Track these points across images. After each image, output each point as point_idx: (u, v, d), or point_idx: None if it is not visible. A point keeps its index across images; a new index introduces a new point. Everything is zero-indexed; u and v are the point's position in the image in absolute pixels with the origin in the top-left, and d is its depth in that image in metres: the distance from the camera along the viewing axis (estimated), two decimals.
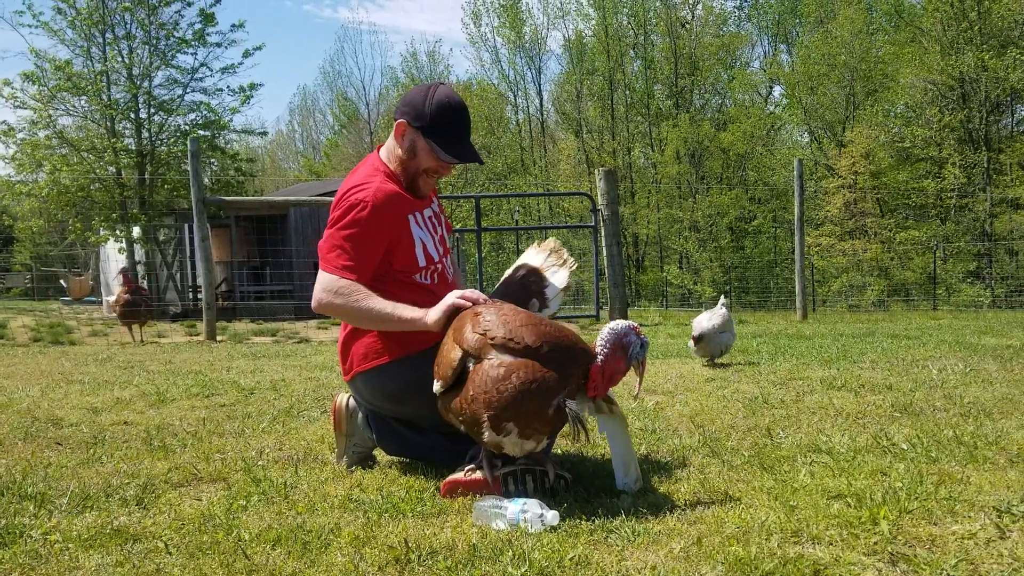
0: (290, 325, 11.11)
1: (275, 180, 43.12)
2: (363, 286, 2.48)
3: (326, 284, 2.50)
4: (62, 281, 26.81)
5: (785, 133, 35.38)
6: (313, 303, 2.53)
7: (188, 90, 17.85)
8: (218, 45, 17.75)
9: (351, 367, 2.62)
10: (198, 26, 17.44)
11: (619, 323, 2.27)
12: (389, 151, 2.65)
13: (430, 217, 2.69)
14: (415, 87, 2.67)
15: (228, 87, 18.10)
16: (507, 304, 2.37)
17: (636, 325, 2.27)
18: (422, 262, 2.60)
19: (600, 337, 2.26)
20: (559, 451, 2.91)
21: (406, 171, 2.60)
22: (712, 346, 5.21)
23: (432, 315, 2.42)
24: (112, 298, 9.51)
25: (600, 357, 2.23)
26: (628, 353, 2.24)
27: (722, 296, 5.70)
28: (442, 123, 2.53)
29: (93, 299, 23.91)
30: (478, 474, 2.30)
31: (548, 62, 74.93)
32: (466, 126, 2.59)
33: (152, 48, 17.43)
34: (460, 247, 19.08)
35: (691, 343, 5.28)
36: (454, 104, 2.54)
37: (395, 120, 2.59)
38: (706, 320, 5.23)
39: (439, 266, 2.66)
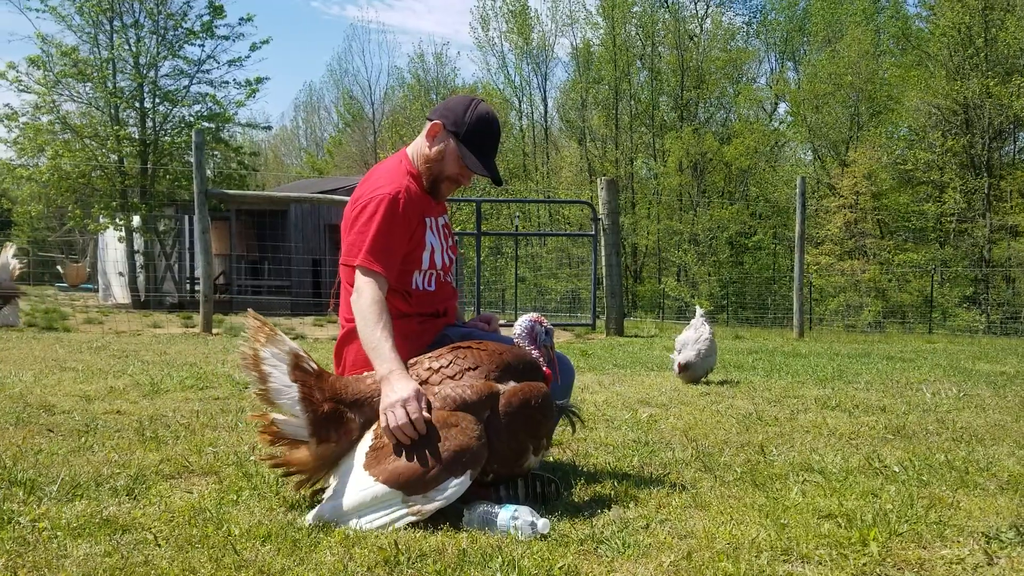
0: (286, 321, 11.10)
1: (277, 175, 43.11)
2: (384, 300, 2.41)
3: (360, 282, 2.44)
4: (59, 267, 26.74)
5: (789, 150, 35.46)
6: (354, 306, 2.47)
7: (194, 81, 17.87)
8: (226, 38, 17.79)
9: (343, 372, 2.62)
10: (206, 18, 17.47)
11: (523, 319, 2.49)
12: (416, 150, 2.66)
13: (443, 225, 2.71)
14: (455, 96, 2.72)
15: (234, 80, 18.14)
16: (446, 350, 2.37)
17: (538, 316, 2.50)
18: (425, 264, 2.60)
19: (517, 336, 2.46)
20: (552, 459, 2.91)
21: (430, 172, 2.62)
22: (698, 372, 5.18)
23: (381, 400, 2.23)
24: None
25: (535, 354, 2.44)
26: (538, 341, 2.46)
27: (699, 310, 5.57)
28: (477, 136, 2.58)
29: (89, 286, 23.87)
30: None
31: (554, 69, 74.89)
32: (497, 145, 2.66)
33: (160, 38, 17.43)
34: (459, 250, 19.09)
35: (675, 368, 5.22)
36: (493, 122, 2.61)
37: (429, 121, 2.61)
38: (691, 347, 5.15)
39: (441, 273, 2.66)
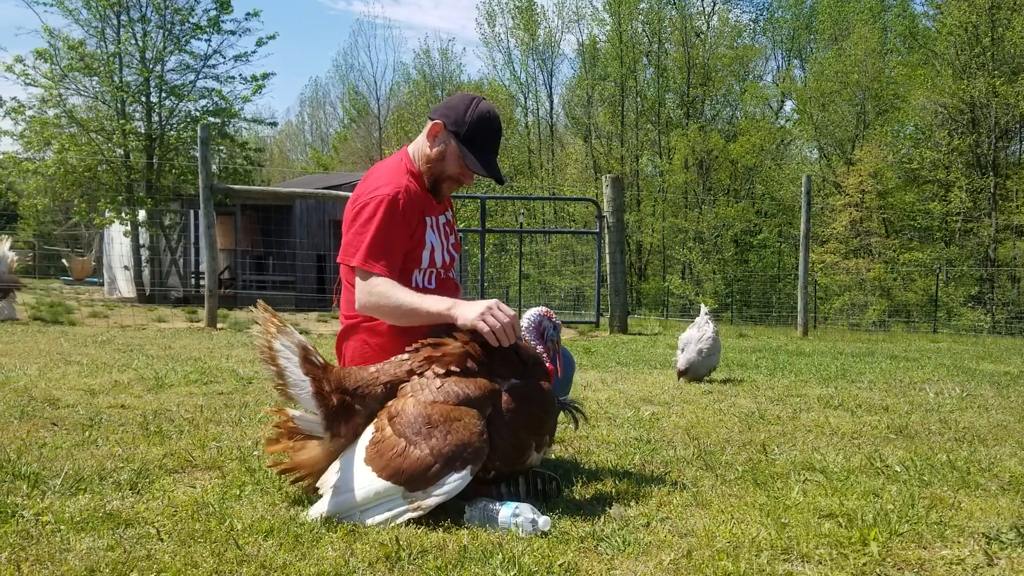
0: (291, 316, 11.12)
1: (282, 171, 43.10)
2: (392, 279, 2.47)
3: (363, 284, 2.48)
4: (64, 261, 26.81)
5: (795, 148, 35.35)
6: (357, 305, 2.51)
7: (200, 76, 17.90)
8: (232, 33, 17.80)
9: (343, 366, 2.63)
10: (213, 13, 17.50)
11: (532, 312, 2.45)
12: (418, 149, 2.66)
13: (444, 224, 2.71)
14: (457, 94, 2.72)
15: (240, 75, 18.16)
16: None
17: (547, 311, 2.45)
18: (425, 263, 2.61)
19: (525, 330, 2.43)
20: (553, 457, 2.92)
21: (431, 172, 2.63)
22: (700, 372, 5.17)
23: (462, 319, 2.34)
24: None
25: (540, 350, 2.42)
26: (544, 336, 2.43)
27: (703, 308, 5.56)
28: (478, 135, 2.57)
29: (95, 280, 23.93)
30: None
31: (560, 65, 74.74)
32: (498, 144, 2.65)
33: (166, 32, 17.46)
34: (463, 247, 19.07)
35: (676, 364, 5.22)
36: (494, 121, 2.60)
37: (431, 120, 2.61)
38: (693, 346, 5.14)
39: (442, 271, 2.67)
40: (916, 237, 27.82)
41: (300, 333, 2.28)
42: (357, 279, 2.50)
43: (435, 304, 2.41)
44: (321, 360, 2.29)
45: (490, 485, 2.26)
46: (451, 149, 2.58)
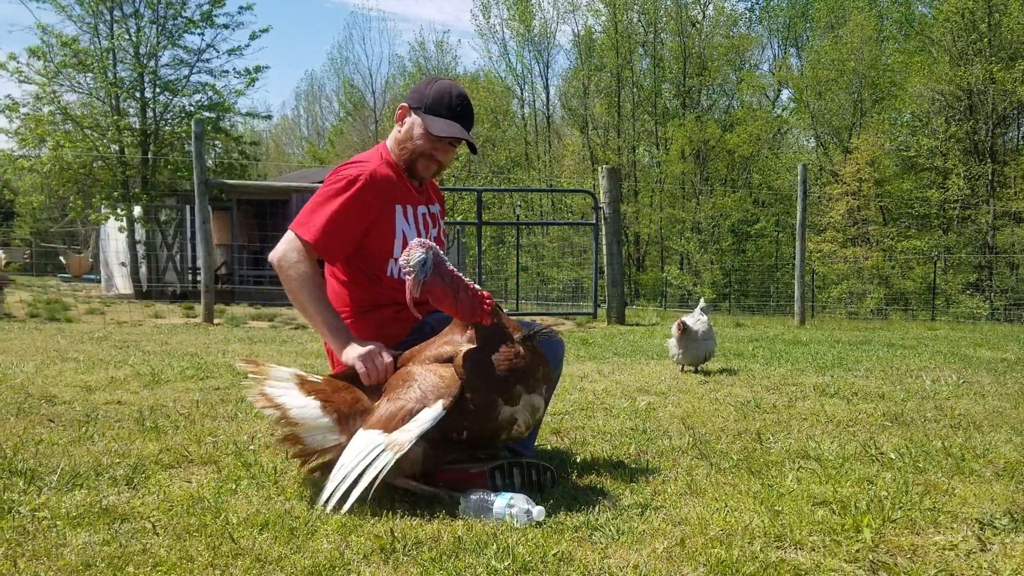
0: (288, 311, 11.10)
1: (278, 165, 43.02)
2: (319, 275, 2.50)
3: (287, 252, 2.49)
4: (62, 258, 26.77)
5: (791, 137, 35.35)
6: (271, 256, 2.52)
7: (194, 71, 17.83)
8: (225, 27, 17.70)
9: (333, 364, 2.63)
10: (206, 7, 17.40)
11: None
12: (392, 139, 2.70)
13: (424, 215, 2.69)
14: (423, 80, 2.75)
15: (234, 69, 18.10)
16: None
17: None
18: (397, 252, 2.58)
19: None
20: (548, 447, 2.93)
21: (404, 152, 2.64)
22: (697, 348, 5.16)
23: (345, 357, 2.40)
24: None
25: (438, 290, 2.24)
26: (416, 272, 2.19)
27: (701, 300, 5.61)
28: (440, 105, 2.58)
29: (92, 277, 23.91)
30: None
31: (556, 56, 74.52)
32: (465, 114, 2.61)
33: (159, 27, 17.38)
34: (460, 239, 19.03)
35: (672, 342, 5.21)
36: (454, 90, 2.60)
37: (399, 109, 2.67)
38: (690, 322, 5.18)
39: None
40: (914, 225, 27.86)
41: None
42: (288, 236, 2.52)
43: (330, 331, 2.46)
44: (319, 378, 2.37)
45: (484, 476, 2.25)
46: (416, 121, 2.60)
